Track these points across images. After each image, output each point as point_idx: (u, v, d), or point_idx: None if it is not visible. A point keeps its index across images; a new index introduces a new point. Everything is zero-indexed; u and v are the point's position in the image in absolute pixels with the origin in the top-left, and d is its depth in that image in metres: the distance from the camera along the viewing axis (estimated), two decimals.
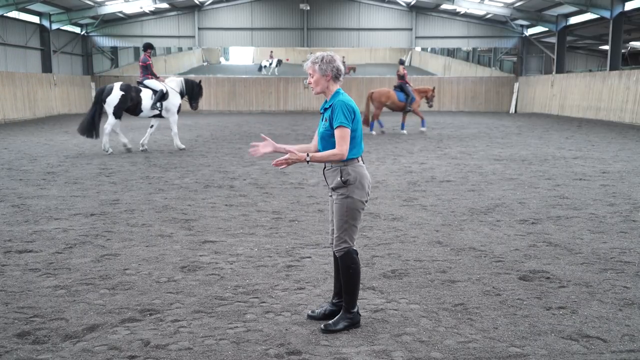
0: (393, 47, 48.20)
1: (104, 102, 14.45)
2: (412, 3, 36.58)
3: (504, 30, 37.66)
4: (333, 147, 4.06)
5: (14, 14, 29.07)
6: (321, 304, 4.57)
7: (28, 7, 29.28)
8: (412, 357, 3.74)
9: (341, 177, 4.07)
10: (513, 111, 36.60)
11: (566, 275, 5.29)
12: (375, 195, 9.12)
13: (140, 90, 14.77)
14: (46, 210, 8.08)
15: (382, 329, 4.17)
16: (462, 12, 36.83)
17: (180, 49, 50.73)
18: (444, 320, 4.32)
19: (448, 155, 14.13)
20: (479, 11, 35.75)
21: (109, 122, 14.60)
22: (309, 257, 5.88)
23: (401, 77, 20.68)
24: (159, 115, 15.12)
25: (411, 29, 37.82)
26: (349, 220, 4.10)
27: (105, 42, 38.04)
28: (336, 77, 4.14)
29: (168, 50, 49.59)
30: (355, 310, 4.20)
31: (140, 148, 15.30)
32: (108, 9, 33.23)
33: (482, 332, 4.11)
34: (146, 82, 14.93)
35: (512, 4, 32.48)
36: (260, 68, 45.01)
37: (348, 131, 4.01)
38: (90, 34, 37.33)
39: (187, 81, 15.79)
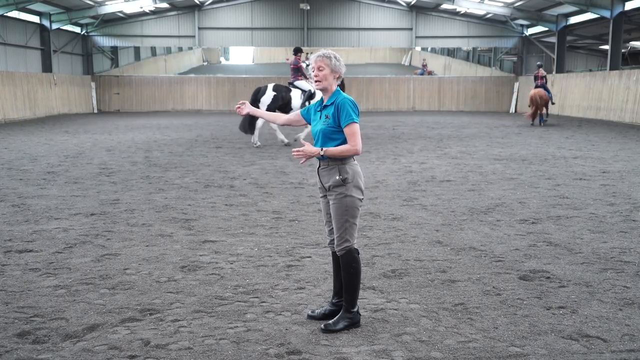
0: (393, 47, 48.20)
1: (259, 101, 15.87)
2: (412, 3, 36.58)
3: (504, 30, 37.67)
4: (335, 143, 4.09)
5: (14, 13, 29.05)
6: (321, 304, 4.57)
7: (28, 6, 29.26)
8: (412, 357, 3.74)
9: (339, 176, 4.09)
10: (513, 111, 36.59)
11: (566, 275, 5.29)
12: (375, 195, 9.12)
13: (290, 90, 16.31)
14: (46, 210, 8.08)
15: (382, 329, 4.17)
16: (462, 12, 36.83)
17: (180, 49, 50.70)
18: (444, 320, 4.32)
19: (448, 155, 14.13)
20: (479, 11, 35.75)
21: (261, 120, 15.55)
22: (309, 257, 5.89)
23: (542, 78, 24.08)
24: None
25: (411, 29, 37.82)
26: (349, 219, 4.12)
27: (105, 41, 38.02)
28: (339, 76, 4.23)
29: (168, 50, 49.58)
30: (356, 309, 4.20)
31: (282, 144, 16.66)
32: (108, 8, 33.21)
33: (482, 331, 4.11)
34: (296, 83, 16.47)
35: (512, 3, 32.48)
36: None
37: (358, 127, 4.10)
38: (90, 34, 37.32)
39: None
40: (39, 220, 7.48)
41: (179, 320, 4.30)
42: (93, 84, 37.33)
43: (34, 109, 29.80)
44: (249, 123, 15.78)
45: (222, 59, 64.15)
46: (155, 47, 46.26)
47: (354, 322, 4.19)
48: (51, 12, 32.17)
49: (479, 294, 4.84)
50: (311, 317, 4.33)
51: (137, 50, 43.60)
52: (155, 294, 4.82)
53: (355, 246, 4.20)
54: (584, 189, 9.52)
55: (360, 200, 4.16)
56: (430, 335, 4.05)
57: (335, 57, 4.18)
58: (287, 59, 60.85)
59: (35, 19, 31.97)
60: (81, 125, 24.87)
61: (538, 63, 25.31)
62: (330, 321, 4.18)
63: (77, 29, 36.55)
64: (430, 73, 43.58)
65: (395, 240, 6.54)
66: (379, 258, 5.85)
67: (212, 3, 37.22)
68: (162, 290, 4.93)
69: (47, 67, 32.63)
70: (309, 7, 36.54)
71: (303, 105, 16.12)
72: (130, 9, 34.88)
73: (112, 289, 4.93)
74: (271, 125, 16.46)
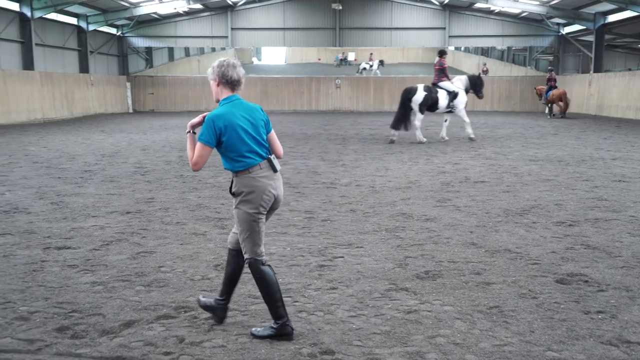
0: (426, 47, 47.87)
1: (410, 101, 16.85)
2: (445, 2, 36.27)
3: (539, 29, 37.06)
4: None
5: (52, 15, 29.71)
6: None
7: (66, 8, 29.88)
8: None
9: (230, 188, 4.04)
10: (549, 111, 35.94)
11: (605, 279, 5.17)
12: (408, 196, 9.06)
13: (437, 91, 17.06)
14: (84, 207, 8.23)
15: (415, 330, 4.13)
16: (496, 11, 36.36)
17: (213, 49, 51.15)
18: (479, 322, 4.26)
19: (482, 156, 13.96)
20: (514, 9, 35.23)
21: (418, 118, 17.10)
22: (342, 257, 5.87)
23: (553, 80, 28.78)
24: (450, 112, 17.50)
25: (444, 28, 37.51)
26: (244, 232, 3.99)
27: (140, 42, 38.60)
28: (225, 83, 4.02)
29: (201, 51, 50.10)
30: (281, 322, 3.99)
31: (442, 140, 17.59)
32: (143, 10, 33.73)
33: (518, 335, 4.04)
34: (441, 84, 17.22)
35: (548, 2, 31.94)
36: (359, 70, 44.04)
37: (200, 145, 3.90)
38: (125, 35, 37.93)
39: (469, 77, 18.02)
40: (77, 217, 7.62)
41: (211, 318, 4.33)
42: (128, 84, 37.94)
43: (72, 108, 30.43)
44: (400, 119, 16.85)
45: (255, 59, 64.54)
46: (188, 48, 46.82)
47: (280, 334, 3.99)
48: (88, 14, 32.81)
49: (514, 297, 4.76)
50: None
51: (171, 50, 44.16)
52: (190, 292, 4.87)
53: (259, 258, 4.03)
54: (623, 191, 9.30)
55: (253, 214, 3.94)
56: (465, 338, 4.01)
57: (214, 66, 4.04)
58: (319, 59, 60.82)
59: (73, 20, 32.62)
60: (117, 124, 25.30)
61: (549, 67, 28.85)
62: (259, 328, 4.10)
63: (113, 30, 37.19)
64: (485, 72, 43.02)
65: (429, 241, 6.48)
66: (412, 259, 5.80)
67: (244, 4, 37.47)
68: (196, 288, 4.98)
69: (84, 67, 33.28)
70: (341, 7, 36.50)
71: (448, 105, 17.11)
72: (164, 10, 35.37)
73: (147, 286, 5.00)
74: (415, 124, 17.06)
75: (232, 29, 37.77)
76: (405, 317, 4.36)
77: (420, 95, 16.83)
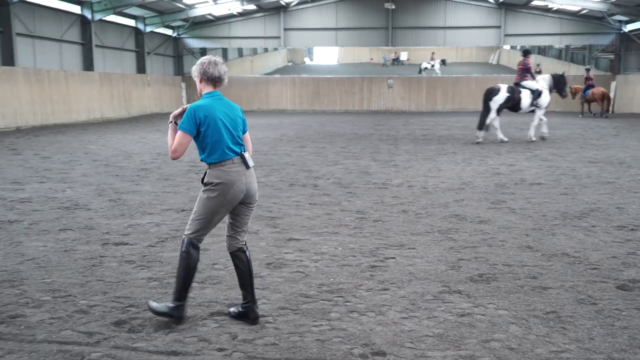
0: (480, 46, 47.04)
1: (491, 100, 16.68)
2: (501, 0, 35.54)
3: (600, 27, 35.86)
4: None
5: (111, 17, 30.61)
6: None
7: (124, 11, 30.73)
8: None
9: (202, 178, 4.24)
10: (610, 111, 34.77)
11: None
12: (461, 197, 8.93)
13: (520, 91, 16.82)
14: (140, 205, 8.44)
15: (469, 334, 4.06)
16: (554, 8, 35.38)
17: (265, 50, 51.69)
18: (535, 327, 4.16)
19: (538, 157, 13.62)
20: (573, 7, 34.19)
21: (490, 117, 16.83)
22: (393, 258, 5.83)
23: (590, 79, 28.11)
24: (533, 111, 17.20)
25: (500, 27, 36.77)
26: (198, 215, 4.18)
27: (194, 43, 39.33)
28: (207, 79, 4.19)
29: (254, 51, 50.67)
30: (179, 304, 4.17)
31: (530, 140, 17.26)
32: (198, 11, 34.36)
33: (576, 342, 3.92)
34: (524, 83, 16.97)
35: None
36: (420, 70, 43.52)
37: (181, 134, 4.08)
38: (181, 36, 38.73)
39: (553, 76, 17.66)
40: (134, 214, 7.82)
41: (265, 316, 4.37)
42: (183, 84, 38.75)
43: (129, 108, 31.30)
44: (484, 121, 16.78)
45: (307, 59, 64.86)
46: (242, 48, 47.41)
47: (172, 315, 4.16)
48: (145, 16, 33.67)
49: (572, 302, 4.62)
50: (231, 316, 4.34)
51: (224, 51, 44.81)
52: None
53: (196, 242, 4.22)
54: None
55: (215, 204, 4.13)
56: (520, 343, 3.91)
57: (197, 64, 4.24)
58: (372, 59, 60.59)
59: (131, 22, 33.52)
60: None
61: (587, 67, 29.12)
62: (155, 303, 4.26)
63: (169, 32, 38.03)
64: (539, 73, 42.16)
65: (483, 243, 6.36)
66: (465, 262, 5.71)
67: (297, 4, 37.68)
68: None
69: (141, 68, 34.17)
70: (394, 7, 36.24)
71: (532, 104, 16.85)
72: (218, 11, 35.94)
73: (201, 283, 5.08)
74: (494, 124, 16.95)
75: (284, 29, 38.04)
76: (458, 320, 4.29)
77: (502, 96, 16.60)
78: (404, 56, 58.94)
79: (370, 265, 5.62)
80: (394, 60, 56.95)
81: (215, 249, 6.16)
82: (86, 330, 4.10)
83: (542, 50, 46.65)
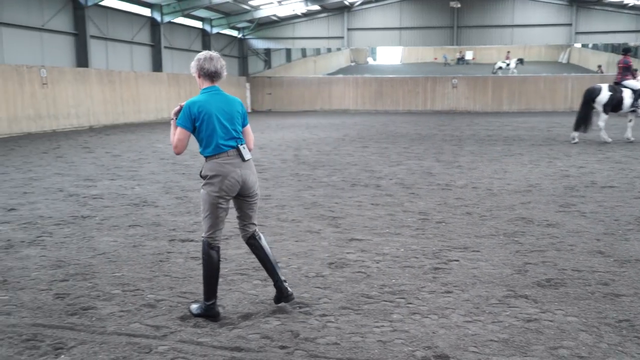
0: (549, 44, 45.65)
1: (594, 101, 16.31)
2: None
3: None
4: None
5: (179, 19, 31.46)
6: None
7: (192, 13, 31.52)
8: None
9: (200, 172, 4.33)
10: None
11: None
12: (528, 200, 8.69)
13: (622, 91, 16.38)
14: None
15: (536, 340, 3.95)
16: (630, 4, 33.94)
17: (329, 50, 51.86)
18: (607, 336, 3.99)
19: (611, 159, 13.09)
20: None
21: (602, 119, 16.42)
22: (457, 261, 5.73)
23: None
24: (634, 111, 16.69)
25: (570, 24, 35.62)
26: (204, 212, 4.32)
27: (259, 44, 39.92)
28: (205, 75, 4.30)
29: (317, 51, 50.94)
30: (210, 303, 4.27)
31: (627, 141, 16.87)
32: (263, 12, 34.88)
33: None
34: (625, 82, 16.50)
35: None
36: (494, 70, 42.99)
37: (179, 129, 4.25)
38: (246, 37, 39.37)
39: None
40: (199, 212, 7.99)
41: (327, 315, 4.38)
42: (247, 85, 39.39)
43: None
44: (582, 120, 16.35)
45: (370, 59, 64.68)
46: (305, 49, 47.76)
47: (208, 314, 4.27)
48: (212, 18, 34.42)
49: None
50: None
51: (288, 52, 45.31)
52: (304, 288, 4.96)
53: (213, 242, 4.33)
54: None
55: (215, 197, 4.23)
56: (591, 352, 3.77)
57: (195, 59, 4.33)
58: (436, 58, 59.84)
59: (198, 24, 34.35)
60: None
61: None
62: (195, 305, 4.38)
63: (235, 33, 38.75)
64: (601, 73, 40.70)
65: (551, 247, 6.17)
66: (532, 266, 5.55)
67: (361, 4, 37.65)
68: (310, 284, 5.05)
69: None
70: (459, 5, 35.67)
71: (633, 105, 16.36)
72: (283, 12, 36.36)
73: (264, 281, 5.14)
74: (598, 124, 16.53)
75: (348, 29, 38.09)
76: (524, 326, 4.17)
77: (605, 95, 16.16)
78: (469, 55, 57.92)
79: (433, 267, 5.54)
80: (458, 59, 56.05)
81: (277, 247, 6.22)
82: (153, 324, 4.22)
83: (616, 48, 44.80)
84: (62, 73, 22.72)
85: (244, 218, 4.54)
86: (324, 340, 3.95)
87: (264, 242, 4.58)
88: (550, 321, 4.25)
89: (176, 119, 4.34)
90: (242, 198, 4.45)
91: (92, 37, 25.03)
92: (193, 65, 4.36)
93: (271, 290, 4.90)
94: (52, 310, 4.48)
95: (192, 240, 6.52)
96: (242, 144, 4.36)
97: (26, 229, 7.09)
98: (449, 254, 5.97)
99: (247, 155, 4.37)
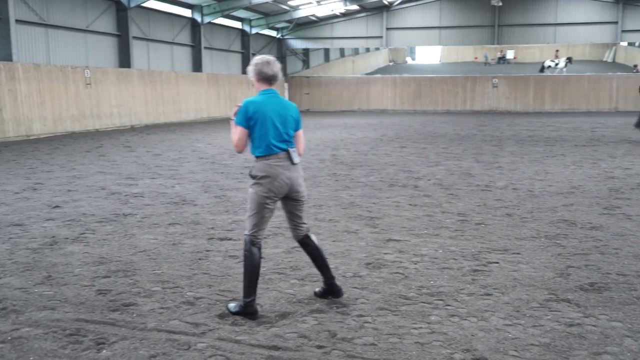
0: (594, 43, 44.57)
1: None
2: None
3: None
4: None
5: (219, 20, 31.81)
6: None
7: (231, 13, 31.84)
8: None
9: (250, 171, 4.42)
10: None
11: None
12: (571, 202, 8.50)
13: None
14: (243, 202, 8.69)
15: (578, 345, 3.85)
16: None
17: (367, 50, 51.71)
18: None
19: None
20: None
21: None
22: (497, 263, 5.64)
23: None
24: None
25: (616, 22, 34.69)
26: (250, 211, 4.39)
27: (297, 44, 40.06)
28: (263, 79, 4.38)
29: (356, 51, 50.85)
30: (249, 300, 4.31)
31: None
32: (302, 12, 34.98)
33: None
34: None
35: None
36: (542, 69, 41.87)
37: (236, 127, 4.35)
38: (284, 37, 39.56)
39: None
40: (237, 211, 8.07)
41: (364, 315, 4.36)
42: (286, 85, 39.57)
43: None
44: None
45: (408, 59, 64.25)
46: (343, 49, 47.72)
47: (246, 312, 4.31)
48: (251, 18, 34.70)
49: None
50: (316, 295, 4.72)
51: (326, 51, 45.33)
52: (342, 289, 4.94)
53: (256, 239, 4.40)
54: None
55: (264, 197, 4.31)
56: (636, 358, 3.66)
57: (252, 64, 4.41)
58: (476, 58, 59.04)
59: (238, 24, 34.67)
60: None
61: None
62: (232, 303, 4.44)
63: (273, 33, 38.98)
64: (637, 72, 39.62)
65: (594, 251, 6.02)
66: (575, 269, 5.42)
67: (400, 3, 37.42)
68: (347, 285, 5.04)
69: (246, 69, 35.25)
70: (501, 3, 35.10)
71: None
72: (322, 12, 36.40)
73: (301, 280, 5.16)
74: None
75: (387, 28, 37.90)
76: (566, 330, 4.08)
77: None
78: (510, 54, 57.01)
79: (472, 269, 5.47)
80: (499, 58, 55.21)
81: None
82: (192, 321, 4.27)
83: None
84: (105, 73, 23.22)
85: (293, 218, 4.62)
86: (361, 341, 3.94)
87: (316, 241, 4.70)
88: (594, 326, 4.15)
89: (235, 118, 4.42)
90: (290, 200, 4.52)
91: (135, 38, 25.52)
92: (250, 69, 4.44)
93: (308, 290, 4.92)
94: (95, 306, 4.57)
95: (230, 239, 6.58)
96: (292, 148, 4.44)
97: (70, 226, 7.26)
98: (489, 256, 5.88)
99: (296, 159, 4.44)
